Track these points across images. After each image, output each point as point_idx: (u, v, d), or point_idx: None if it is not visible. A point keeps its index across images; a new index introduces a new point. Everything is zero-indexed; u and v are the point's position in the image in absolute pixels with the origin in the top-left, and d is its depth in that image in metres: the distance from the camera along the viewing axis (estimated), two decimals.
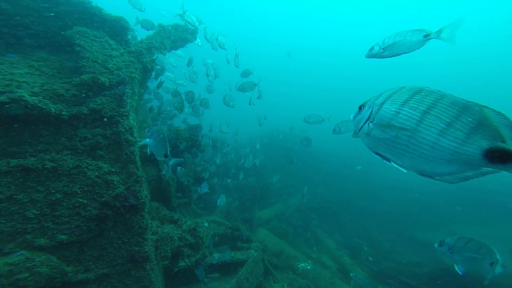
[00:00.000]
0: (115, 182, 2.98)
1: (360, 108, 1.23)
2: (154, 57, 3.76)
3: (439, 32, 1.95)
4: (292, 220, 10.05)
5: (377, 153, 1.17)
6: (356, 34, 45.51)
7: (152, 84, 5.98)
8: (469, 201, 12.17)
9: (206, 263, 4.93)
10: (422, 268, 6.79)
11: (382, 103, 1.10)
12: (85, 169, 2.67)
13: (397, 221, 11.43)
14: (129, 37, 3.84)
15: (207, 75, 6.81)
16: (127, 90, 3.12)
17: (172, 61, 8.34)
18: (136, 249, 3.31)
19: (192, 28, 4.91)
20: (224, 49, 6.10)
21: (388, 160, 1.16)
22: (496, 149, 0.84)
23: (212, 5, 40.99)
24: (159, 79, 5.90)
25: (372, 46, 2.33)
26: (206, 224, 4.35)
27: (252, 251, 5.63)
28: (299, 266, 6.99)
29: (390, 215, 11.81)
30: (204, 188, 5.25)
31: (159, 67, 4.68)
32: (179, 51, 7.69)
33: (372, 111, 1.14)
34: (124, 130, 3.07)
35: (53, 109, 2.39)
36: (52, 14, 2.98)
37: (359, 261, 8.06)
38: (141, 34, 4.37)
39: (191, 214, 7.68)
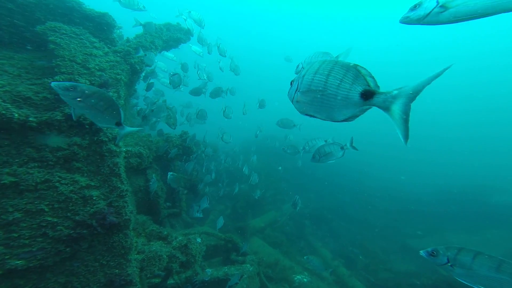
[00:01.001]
0: (93, 198, 2.61)
1: (291, 83, 1.57)
2: (141, 55, 3.42)
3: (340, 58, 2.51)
4: (286, 228, 9.75)
5: (306, 114, 1.50)
6: (353, 43, 46.51)
7: (139, 87, 5.59)
8: (459, 209, 12.40)
9: (197, 281, 4.55)
10: (420, 278, 6.63)
11: (304, 75, 1.44)
12: (56, 183, 2.29)
13: (391, 228, 11.39)
14: (114, 35, 3.50)
15: (203, 79, 6.60)
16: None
17: (162, 66, 7.94)
18: (117, 272, 2.92)
19: (185, 28, 4.63)
20: (225, 56, 6.11)
21: (314, 117, 1.49)
22: (365, 91, 1.28)
23: (210, 11, 40.81)
24: (148, 80, 5.54)
25: (298, 65, 2.69)
26: (199, 240, 3.99)
27: (248, 265, 5.27)
28: (295, 278, 6.67)
29: (383, 222, 11.76)
30: (204, 204, 4.94)
31: (149, 68, 4.34)
32: (170, 54, 7.36)
33: (298, 83, 1.48)
34: (107, 139, 2.71)
35: (16, 115, 2.02)
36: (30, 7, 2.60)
37: (356, 271, 7.83)
38: (128, 32, 4.03)
39: (181, 224, 7.24)
